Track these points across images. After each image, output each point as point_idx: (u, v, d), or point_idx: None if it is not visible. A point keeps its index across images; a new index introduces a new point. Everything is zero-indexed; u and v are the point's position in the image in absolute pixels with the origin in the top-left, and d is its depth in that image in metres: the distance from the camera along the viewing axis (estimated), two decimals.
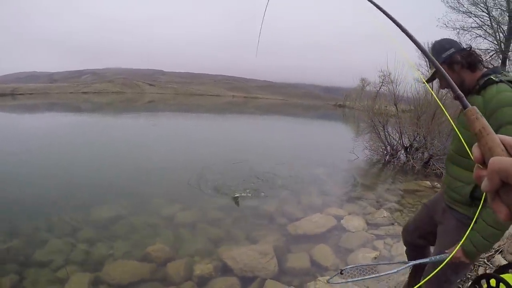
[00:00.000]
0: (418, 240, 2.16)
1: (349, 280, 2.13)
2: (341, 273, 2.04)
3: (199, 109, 28.63)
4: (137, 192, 5.31)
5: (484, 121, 0.47)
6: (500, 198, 0.41)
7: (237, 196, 5.02)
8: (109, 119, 17.67)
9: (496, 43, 23.20)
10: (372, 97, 13.70)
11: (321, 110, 44.58)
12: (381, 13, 0.76)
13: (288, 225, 4.37)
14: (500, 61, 23.01)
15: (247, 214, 4.66)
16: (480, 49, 23.61)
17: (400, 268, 1.96)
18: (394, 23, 0.73)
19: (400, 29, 0.72)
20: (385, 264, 2.21)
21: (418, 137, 8.89)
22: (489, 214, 1.51)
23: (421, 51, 0.72)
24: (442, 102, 7.21)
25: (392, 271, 1.99)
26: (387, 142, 9.57)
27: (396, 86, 9.94)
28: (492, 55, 23.55)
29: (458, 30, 23.40)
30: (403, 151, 9.33)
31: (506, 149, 0.44)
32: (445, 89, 1.75)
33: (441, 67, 0.76)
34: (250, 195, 5.34)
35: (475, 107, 0.49)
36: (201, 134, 12.93)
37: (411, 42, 0.69)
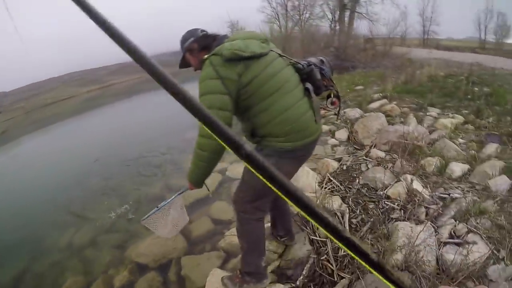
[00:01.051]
0: None
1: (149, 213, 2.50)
2: (157, 208, 2.52)
3: (56, 119, 25.70)
4: (27, 239, 4.56)
5: None
6: None
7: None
8: None
9: None
10: None
11: (179, 76, 43.84)
12: None
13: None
14: None
15: (138, 207, 4.46)
16: None
17: (172, 198, 2.53)
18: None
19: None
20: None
21: None
22: (195, 151, 1.87)
23: None
24: None
25: (168, 201, 2.51)
26: None
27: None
28: None
29: None
30: None
31: None
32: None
33: None
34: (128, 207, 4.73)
35: None
36: (66, 145, 11.62)
37: None
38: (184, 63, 2.10)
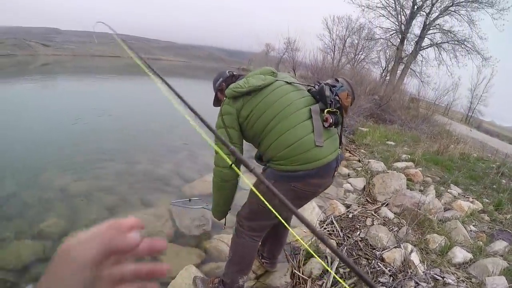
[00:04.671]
0: None
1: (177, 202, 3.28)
2: (189, 201, 3.39)
3: (99, 71, 26.24)
4: (26, 165, 4.68)
5: None
6: None
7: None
8: None
9: (397, 24, 25.23)
10: (276, 62, 14.14)
11: None
12: None
13: (183, 186, 4.32)
14: (399, 40, 25.31)
15: (142, 179, 4.47)
16: (382, 27, 25.93)
17: (199, 206, 3.23)
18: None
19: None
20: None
21: None
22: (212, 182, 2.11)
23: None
24: None
25: (196, 206, 3.21)
26: None
27: (296, 52, 10.54)
28: (392, 34, 25.88)
29: (363, 7, 25.17)
30: None
31: None
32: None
33: None
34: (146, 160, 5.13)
35: None
36: (96, 99, 11.81)
37: None
38: (216, 101, 2.34)
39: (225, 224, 2.54)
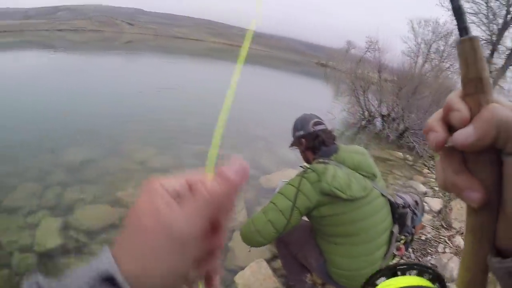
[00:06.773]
0: None
1: None
2: None
3: (179, 52, 27.37)
4: (110, 135, 5.04)
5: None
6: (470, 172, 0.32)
7: None
8: (84, 59, 15.97)
9: (489, 33, 23.26)
10: (357, 61, 13.74)
11: (303, 66, 43.09)
12: None
13: (260, 177, 4.35)
14: (489, 52, 23.33)
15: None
16: None
17: None
18: None
19: None
20: None
21: (396, 108, 8.94)
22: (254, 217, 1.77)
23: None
24: None
25: None
26: (366, 107, 9.63)
27: (382, 54, 10.10)
28: (482, 43, 23.89)
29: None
30: (379, 119, 9.41)
31: None
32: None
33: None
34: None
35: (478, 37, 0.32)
36: (182, 78, 12.37)
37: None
38: (293, 144, 2.12)
39: (249, 250, 2.42)
